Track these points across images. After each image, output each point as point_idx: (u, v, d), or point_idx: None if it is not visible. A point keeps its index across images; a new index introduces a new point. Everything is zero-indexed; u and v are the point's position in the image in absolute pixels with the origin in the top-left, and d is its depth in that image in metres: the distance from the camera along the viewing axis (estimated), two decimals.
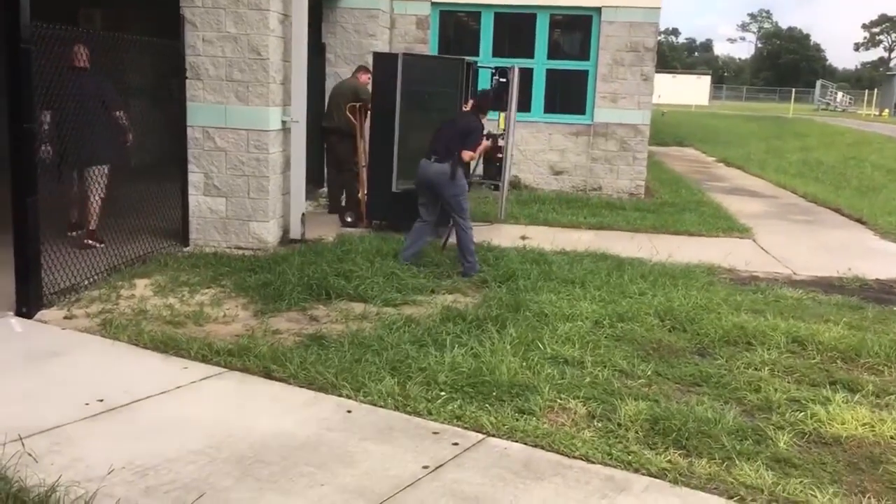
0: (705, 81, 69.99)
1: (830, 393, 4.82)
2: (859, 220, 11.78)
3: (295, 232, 8.43)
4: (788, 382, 5.04)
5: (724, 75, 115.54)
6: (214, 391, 4.57)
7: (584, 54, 13.18)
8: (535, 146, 13.38)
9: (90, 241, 7.50)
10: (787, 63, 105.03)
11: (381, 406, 4.37)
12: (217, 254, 7.73)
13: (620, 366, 5.20)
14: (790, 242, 10.05)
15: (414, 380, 4.73)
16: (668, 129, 31.47)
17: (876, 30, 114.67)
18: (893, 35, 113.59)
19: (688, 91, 64.73)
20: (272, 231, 8.19)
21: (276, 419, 4.19)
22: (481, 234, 9.36)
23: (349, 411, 4.29)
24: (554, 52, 13.28)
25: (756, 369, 5.25)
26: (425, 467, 3.71)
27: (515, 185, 13.24)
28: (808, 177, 17.26)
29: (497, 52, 13.21)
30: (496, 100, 9.94)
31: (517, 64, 12.69)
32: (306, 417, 4.20)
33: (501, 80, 9.88)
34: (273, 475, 3.59)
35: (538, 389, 4.68)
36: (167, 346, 5.19)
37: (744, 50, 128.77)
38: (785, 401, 4.70)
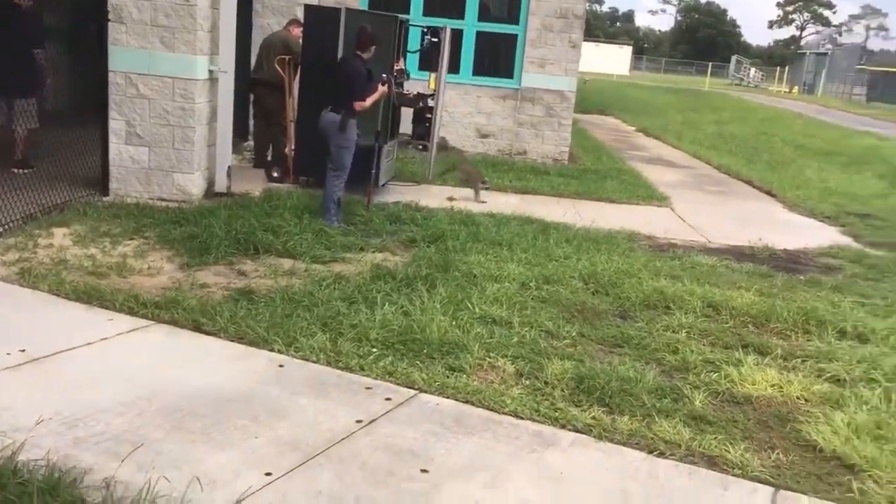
0: (627, 52, 71.00)
1: (742, 355, 5.08)
2: (769, 193, 12.28)
3: (220, 185, 8.27)
4: (704, 345, 5.28)
5: (645, 46, 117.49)
6: (143, 343, 4.50)
7: (514, 18, 13.21)
8: (462, 108, 13.40)
9: (16, 170, 7.31)
10: (704, 37, 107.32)
11: (313, 361, 4.40)
12: (139, 205, 7.53)
13: (546, 326, 5.34)
14: (705, 212, 10.42)
15: (345, 336, 4.76)
16: (591, 97, 31.86)
17: (789, 8, 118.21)
18: (805, 14, 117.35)
19: (610, 60, 65.51)
20: (197, 183, 8.01)
21: (207, 372, 4.17)
22: (410, 193, 9.42)
23: (281, 366, 4.30)
24: (484, 15, 13.27)
25: (674, 332, 5.47)
26: (359, 421, 3.77)
27: (443, 146, 13.25)
28: (723, 149, 17.79)
29: (428, 12, 13.11)
30: (425, 60, 9.93)
31: (448, 24, 12.70)
32: (238, 371, 4.20)
33: (433, 39, 9.87)
34: (206, 427, 3.59)
35: (468, 348, 4.78)
36: (90, 296, 5.07)
37: (664, 22, 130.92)
38: (700, 362, 4.93)
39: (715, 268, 7.39)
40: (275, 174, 9.44)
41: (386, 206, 8.44)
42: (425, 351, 4.72)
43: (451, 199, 9.52)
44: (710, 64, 62.68)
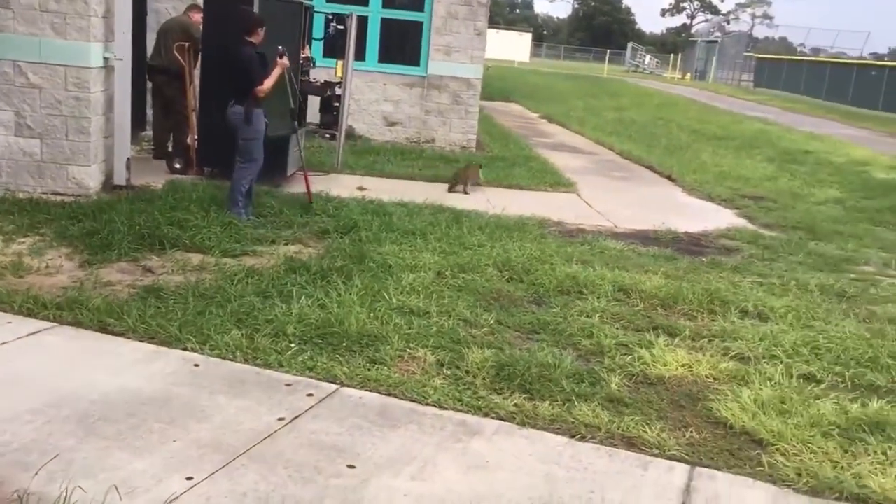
0: (526, 39, 71.71)
1: (653, 337, 5.24)
2: (669, 177, 12.68)
3: (119, 178, 7.94)
4: (616, 328, 5.41)
5: (544, 33, 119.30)
6: (46, 347, 4.28)
7: (419, 5, 13.16)
8: (369, 96, 13.29)
9: None
10: (600, 24, 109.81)
11: (229, 359, 4.29)
12: (33, 199, 7.15)
13: (464, 315, 5.37)
14: (610, 197, 10.67)
15: (262, 332, 4.66)
16: (494, 83, 32.15)
17: None
18: (695, 3, 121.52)
19: (510, 47, 66.09)
20: (94, 176, 7.67)
21: (118, 375, 4.00)
22: (319, 183, 9.27)
23: (196, 365, 4.18)
24: (390, 2, 13.17)
25: (588, 316, 5.59)
26: (281, 419, 3.69)
27: (350, 134, 13.12)
28: (623, 135, 18.24)
29: None
30: (331, 47, 9.80)
31: (353, 11, 12.55)
32: (151, 372, 4.05)
33: (339, 27, 9.73)
34: (121, 433, 3.45)
35: (387, 339, 4.76)
36: None
37: (562, 10, 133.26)
38: (614, 345, 5.06)
39: (623, 252, 7.58)
40: (177, 165, 9.13)
41: (295, 197, 8.29)
42: (345, 344, 4.67)
43: (361, 188, 9.44)
44: (608, 51, 64.13)
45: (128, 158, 8.02)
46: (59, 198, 7.35)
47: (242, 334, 4.59)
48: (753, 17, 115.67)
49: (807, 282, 6.90)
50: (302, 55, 9.01)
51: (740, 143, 17.76)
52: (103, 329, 4.52)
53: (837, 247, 8.59)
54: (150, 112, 11.96)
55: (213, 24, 8.60)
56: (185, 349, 4.35)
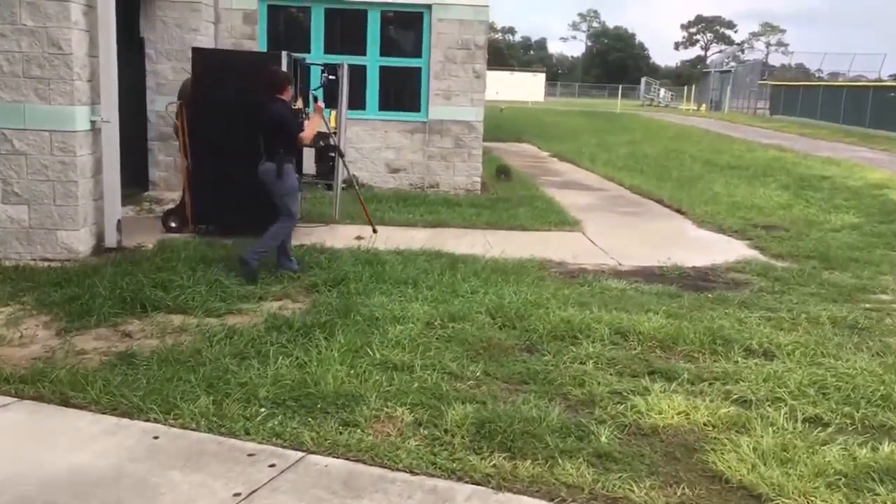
0: (540, 78, 72.27)
1: (649, 383, 4.96)
2: (679, 211, 12.41)
3: (110, 240, 7.85)
4: (611, 374, 5.14)
5: (559, 72, 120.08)
6: (1, 426, 4.09)
7: (416, 52, 13.14)
8: (371, 144, 13.22)
9: None
10: (615, 60, 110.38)
11: (192, 429, 4.07)
12: (19, 267, 7.06)
13: (450, 368, 5.13)
14: (616, 234, 10.42)
15: (232, 396, 4.46)
16: (507, 124, 32.22)
17: (693, 30, 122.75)
18: (708, 34, 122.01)
19: (525, 88, 66.63)
20: (83, 240, 7.58)
21: (71, 452, 3.80)
22: (316, 235, 9.15)
23: (156, 437, 3.96)
24: (387, 50, 13.15)
25: (581, 363, 5.32)
26: (237, 495, 3.46)
27: (353, 183, 13.04)
28: (634, 169, 18.02)
29: (329, 49, 12.93)
30: (328, 97, 9.75)
31: (349, 61, 12.55)
32: (106, 448, 3.84)
33: (331, 77, 9.67)
34: None
35: (365, 398, 4.53)
36: None
37: (576, 48, 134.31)
38: (607, 394, 4.78)
39: (624, 292, 7.32)
40: (172, 224, 9.04)
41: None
42: (319, 406, 4.45)
43: (359, 238, 9.29)
44: (621, 86, 64.25)
45: (118, 220, 7.94)
46: (47, 264, 7.26)
47: (211, 400, 4.38)
48: (768, 45, 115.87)
49: (818, 314, 6.59)
50: (293, 106, 8.92)
51: (754, 171, 17.44)
52: (65, 402, 4.33)
53: (852, 275, 8.25)
54: (153, 172, 12.03)
55: (201, 81, 8.58)
56: (147, 420, 4.15)
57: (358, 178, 13.03)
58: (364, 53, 13.02)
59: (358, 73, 12.91)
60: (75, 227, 7.46)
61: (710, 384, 4.98)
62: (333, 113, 9.83)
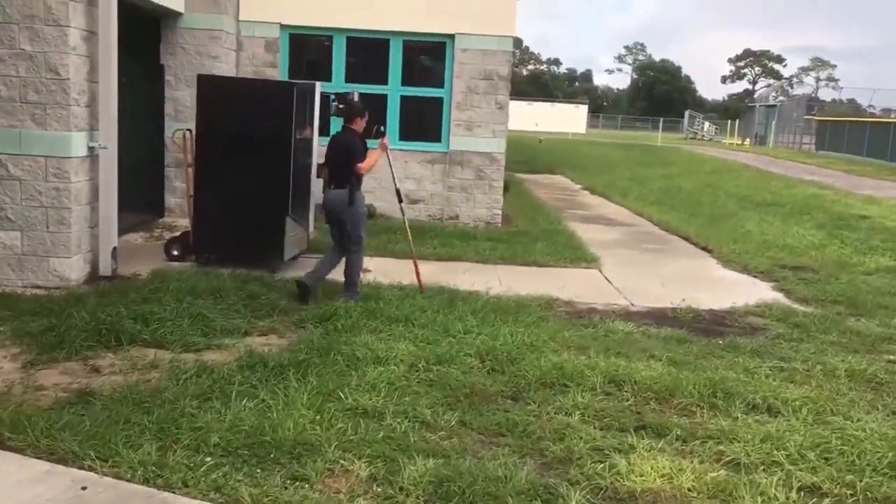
0: (583, 110, 71.90)
1: (636, 439, 4.58)
2: (706, 249, 11.94)
3: (105, 268, 7.71)
4: (596, 428, 4.76)
5: (604, 105, 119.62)
6: None
7: (438, 81, 12.96)
8: (390, 174, 12.98)
9: None
10: (660, 93, 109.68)
11: (127, 479, 3.80)
12: (5, 294, 6.94)
13: (424, 416, 4.81)
14: (635, 272, 10.02)
15: (181, 443, 4.19)
16: (543, 156, 31.95)
17: (741, 63, 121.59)
18: (757, 68, 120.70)
19: (566, 119, 66.37)
20: (76, 267, 7.44)
21: None
22: None
23: (84, 488, 3.70)
24: (408, 79, 12.98)
25: (567, 414, 4.96)
26: None
27: (371, 214, 12.83)
28: (666, 204, 17.55)
29: (350, 78, 12.81)
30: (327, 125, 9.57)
31: (371, 90, 12.45)
32: (28, 499, 3.59)
33: (341, 106, 9.47)
34: None
35: (323, 448, 4.23)
36: None
37: (622, 81, 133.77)
38: (587, 451, 4.42)
39: (630, 335, 6.93)
40: (174, 252, 8.89)
41: (289, 282, 7.91)
42: (273, 455, 4.16)
43: (364, 270, 9.02)
44: (662, 119, 63.56)
45: (114, 248, 7.80)
46: (38, 291, 7.13)
47: (157, 447, 4.12)
48: (818, 80, 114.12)
49: (835, 366, 6.13)
50: (299, 135, 8.78)
51: (790, 209, 16.85)
52: (1, 444, 4.10)
53: (880, 323, 7.75)
54: (168, 199, 11.97)
55: (206, 108, 8.46)
56: (81, 468, 3.89)
57: (375, 208, 12.87)
58: (386, 82, 12.87)
59: (379, 103, 12.78)
60: (67, 255, 7.33)
61: (703, 443, 4.58)
62: None
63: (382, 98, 12.78)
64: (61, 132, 7.19)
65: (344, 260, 7.65)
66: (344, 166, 7.42)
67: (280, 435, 4.33)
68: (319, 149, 9.59)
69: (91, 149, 7.54)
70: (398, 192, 8.27)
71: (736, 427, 4.79)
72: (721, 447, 4.51)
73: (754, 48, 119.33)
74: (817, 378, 5.87)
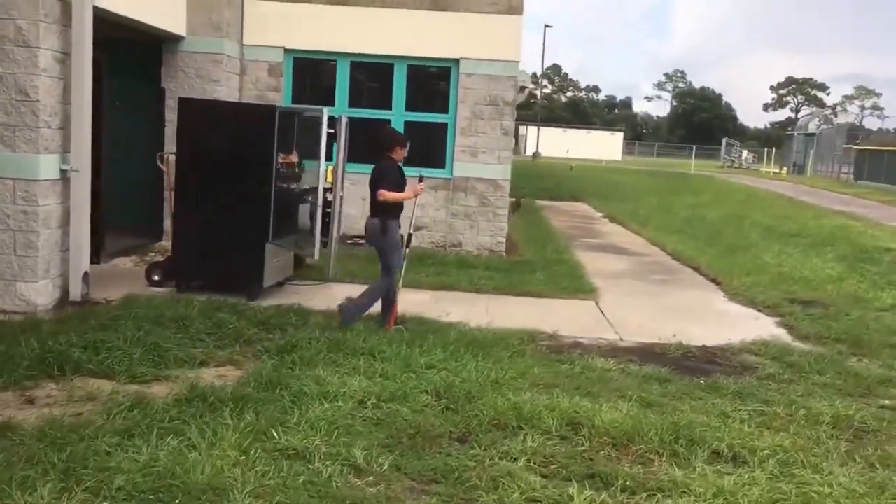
0: (618, 137, 71.50)
1: (578, 490, 4.21)
2: (714, 280, 11.49)
3: (75, 293, 7.56)
4: (538, 476, 4.42)
5: (644, 132, 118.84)
6: None
7: (443, 107, 12.74)
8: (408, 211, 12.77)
9: None
10: (700, 121, 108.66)
11: None
12: None
13: (355, 459, 4.50)
14: (634, 304, 9.62)
15: (83, 485, 3.94)
16: (570, 183, 31.56)
17: (783, 91, 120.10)
18: (800, 96, 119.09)
19: (601, 146, 65.97)
20: (44, 292, 7.31)
21: None
22: (306, 294, 8.79)
23: None
24: (412, 104, 12.78)
25: (512, 459, 4.63)
26: None
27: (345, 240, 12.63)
28: (687, 233, 17.05)
29: (354, 103, 12.67)
30: (328, 151, 9.38)
31: (375, 115, 12.31)
32: None
33: (330, 131, 9.30)
34: None
35: (232, 495, 3.95)
36: None
37: (662, 108, 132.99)
38: (521, 502, 4.07)
39: (607, 372, 6.57)
40: (155, 277, 8.74)
41: (264, 310, 7.69)
42: (178, 500, 3.90)
43: (349, 299, 8.77)
44: (695, 147, 62.68)
45: (85, 272, 7.66)
46: (3, 316, 7.00)
47: (58, 489, 3.88)
48: (862, 108, 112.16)
49: (820, 411, 5.69)
50: (282, 159, 8.60)
51: (814, 240, 16.25)
52: None
53: (882, 364, 7.27)
54: (167, 222, 11.86)
55: (186, 131, 8.34)
56: None
57: None
58: (390, 107, 12.70)
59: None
60: (34, 279, 7.20)
61: (650, 496, 4.21)
62: (330, 168, 9.43)
63: (386, 123, 12.59)
64: (30, 154, 7.10)
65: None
66: (373, 194, 7.35)
67: (193, 478, 4.06)
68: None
69: (63, 171, 7.43)
70: (409, 238, 7.99)
71: (691, 479, 4.40)
72: (669, 501, 4.14)
73: (797, 76, 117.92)
74: (798, 424, 5.45)
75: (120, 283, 8.58)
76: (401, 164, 7.65)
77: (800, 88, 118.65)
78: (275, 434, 4.73)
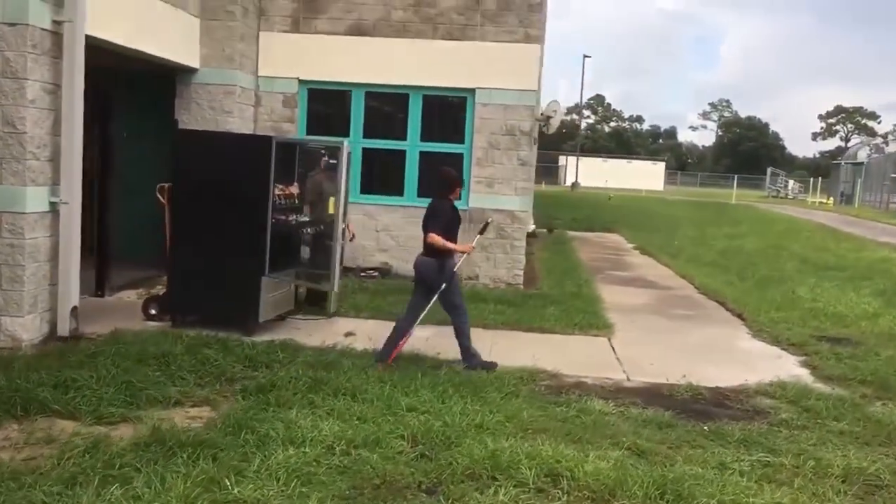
0: (660, 167, 70.65)
1: None
2: (740, 316, 10.97)
3: (63, 328, 7.41)
4: None
5: (689, 161, 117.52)
6: None
7: (458, 137, 12.49)
8: (408, 231, 12.48)
9: None
10: (746, 150, 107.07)
11: None
12: None
13: None
14: (649, 341, 9.17)
15: None
16: (604, 214, 31.06)
17: (832, 120, 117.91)
18: (849, 125, 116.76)
19: (642, 176, 65.23)
20: (30, 327, 7.16)
21: None
22: (305, 329, 8.60)
23: None
24: (428, 135, 12.55)
25: None
26: None
27: (386, 272, 12.39)
28: (720, 266, 16.48)
29: (368, 133, 12.50)
30: (328, 181, 9.19)
31: (390, 146, 12.14)
32: None
33: (332, 161, 9.10)
34: None
35: None
36: None
37: (707, 138, 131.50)
38: None
39: (604, 416, 6.16)
40: (152, 311, 8.58)
41: (253, 347, 7.45)
42: None
43: (349, 334, 8.53)
44: (736, 177, 61.51)
45: (74, 307, 7.51)
46: None
47: None
48: None
49: (830, 463, 5.21)
50: (280, 191, 8.40)
51: (852, 273, 15.56)
52: None
53: None
54: None
55: (184, 163, 8.20)
56: None
57: (391, 266, 12.41)
58: (405, 138, 12.50)
59: (397, 159, 12.43)
60: (20, 314, 7.07)
61: None
62: (332, 198, 9.20)
63: (401, 154, 12.41)
64: (17, 187, 7.00)
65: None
66: (425, 233, 7.32)
67: None
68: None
69: (53, 204, 7.31)
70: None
71: None
72: None
73: (847, 104, 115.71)
74: (804, 477, 4.98)
75: (117, 318, 8.42)
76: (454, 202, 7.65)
77: (849, 117, 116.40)
78: (228, 483, 4.44)
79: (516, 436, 5.44)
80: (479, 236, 7.99)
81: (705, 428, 5.96)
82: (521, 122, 12.22)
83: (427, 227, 7.30)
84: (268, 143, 8.09)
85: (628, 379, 7.49)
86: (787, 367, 8.16)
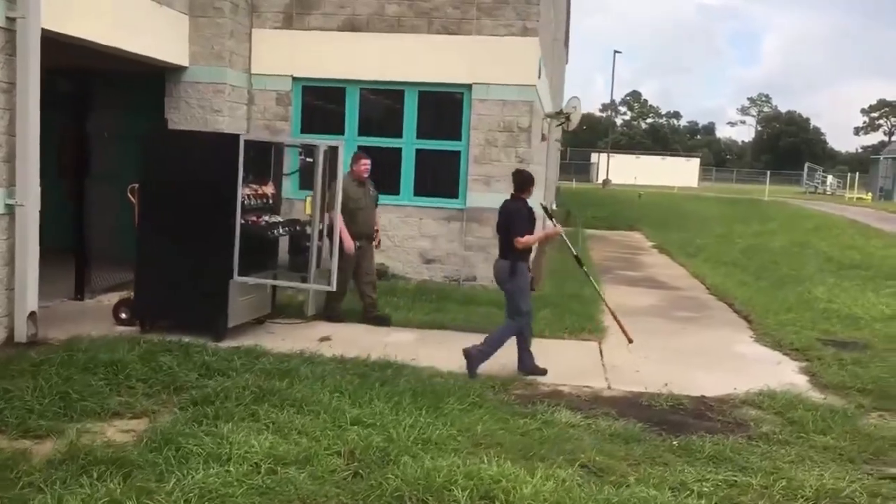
0: (694, 164, 69.37)
1: None
2: (746, 318, 10.46)
3: (20, 334, 7.18)
4: None
5: (727, 158, 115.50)
6: None
7: (455, 134, 12.10)
8: (404, 232, 12.19)
9: None
10: (786, 146, 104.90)
11: None
12: None
13: None
14: (643, 346, 8.59)
15: None
16: (631, 211, 30.43)
17: (875, 114, 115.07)
18: (892, 119, 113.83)
19: (675, 173, 64.13)
20: None
21: None
22: (279, 334, 8.31)
23: None
24: (424, 132, 12.17)
25: None
26: None
27: (382, 274, 12.04)
28: (738, 265, 15.86)
29: (363, 131, 12.17)
30: (304, 180, 8.87)
31: (385, 143, 11.82)
32: None
33: (308, 159, 8.78)
34: None
35: None
36: None
37: (746, 133, 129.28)
38: None
39: (570, 429, 5.75)
40: (122, 315, 8.34)
41: (214, 353, 7.15)
42: None
43: (324, 339, 8.22)
44: (769, 172, 60.04)
45: (32, 312, 7.28)
46: None
47: None
48: None
49: (803, 482, 4.76)
50: (252, 191, 8.11)
51: (876, 272, 14.87)
52: None
53: None
54: None
55: (149, 162, 7.95)
56: None
57: (388, 267, 12.06)
58: (400, 135, 12.15)
59: (393, 157, 12.08)
60: None
61: None
62: (308, 199, 8.89)
63: (396, 152, 12.06)
64: None
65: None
66: (505, 236, 7.22)
67: None
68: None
69: (9, 206, 7.10)
70: (577, 258, 8.44)
71: None
72: None
73: (890, 98, 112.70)
74: (772, 498, 4.53)
75: (87, 323, 8.20)
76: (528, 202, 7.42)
77: (893, 111, 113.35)
78: None
79: (463, 452, 5.06)
80: (555, 227, 7.96)
81: (674, 443, 5.51)
82: (520, 118, 11.79)
83: (513, 229, 7.13)
84: (235, 140, 7.78)
85: (609, 387, 7.06)
86: (783, 374, 7.67)
